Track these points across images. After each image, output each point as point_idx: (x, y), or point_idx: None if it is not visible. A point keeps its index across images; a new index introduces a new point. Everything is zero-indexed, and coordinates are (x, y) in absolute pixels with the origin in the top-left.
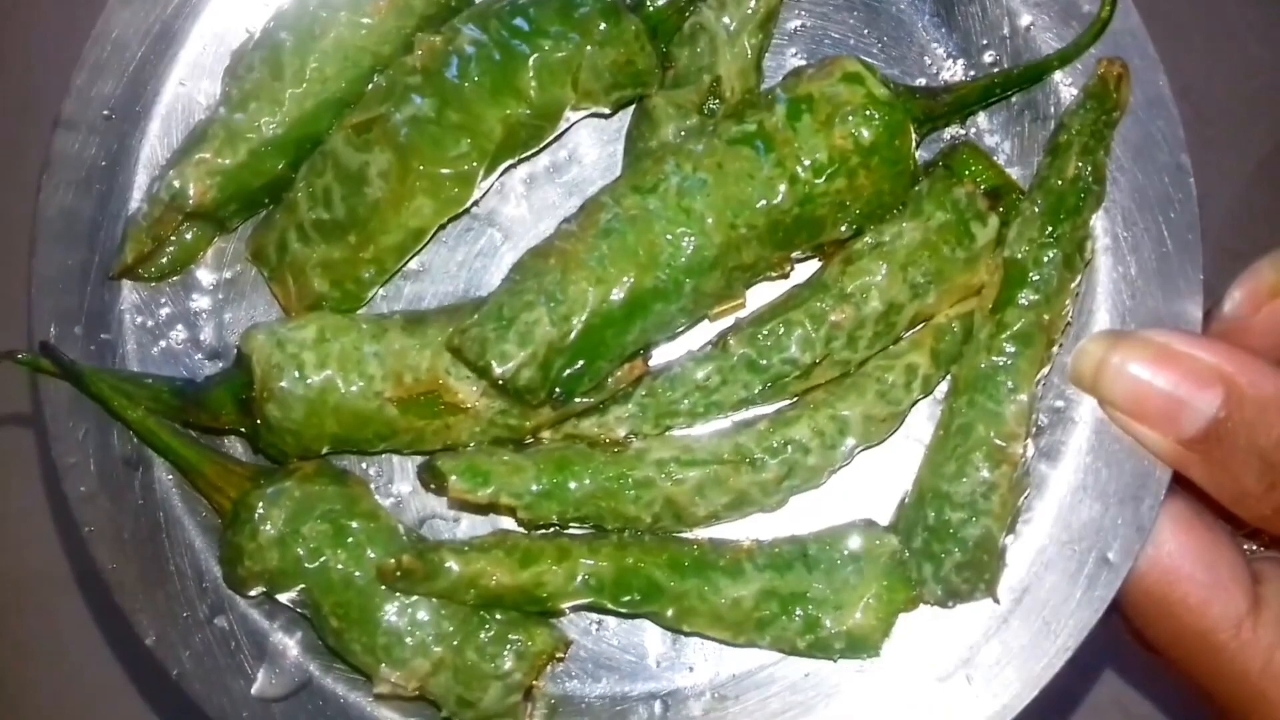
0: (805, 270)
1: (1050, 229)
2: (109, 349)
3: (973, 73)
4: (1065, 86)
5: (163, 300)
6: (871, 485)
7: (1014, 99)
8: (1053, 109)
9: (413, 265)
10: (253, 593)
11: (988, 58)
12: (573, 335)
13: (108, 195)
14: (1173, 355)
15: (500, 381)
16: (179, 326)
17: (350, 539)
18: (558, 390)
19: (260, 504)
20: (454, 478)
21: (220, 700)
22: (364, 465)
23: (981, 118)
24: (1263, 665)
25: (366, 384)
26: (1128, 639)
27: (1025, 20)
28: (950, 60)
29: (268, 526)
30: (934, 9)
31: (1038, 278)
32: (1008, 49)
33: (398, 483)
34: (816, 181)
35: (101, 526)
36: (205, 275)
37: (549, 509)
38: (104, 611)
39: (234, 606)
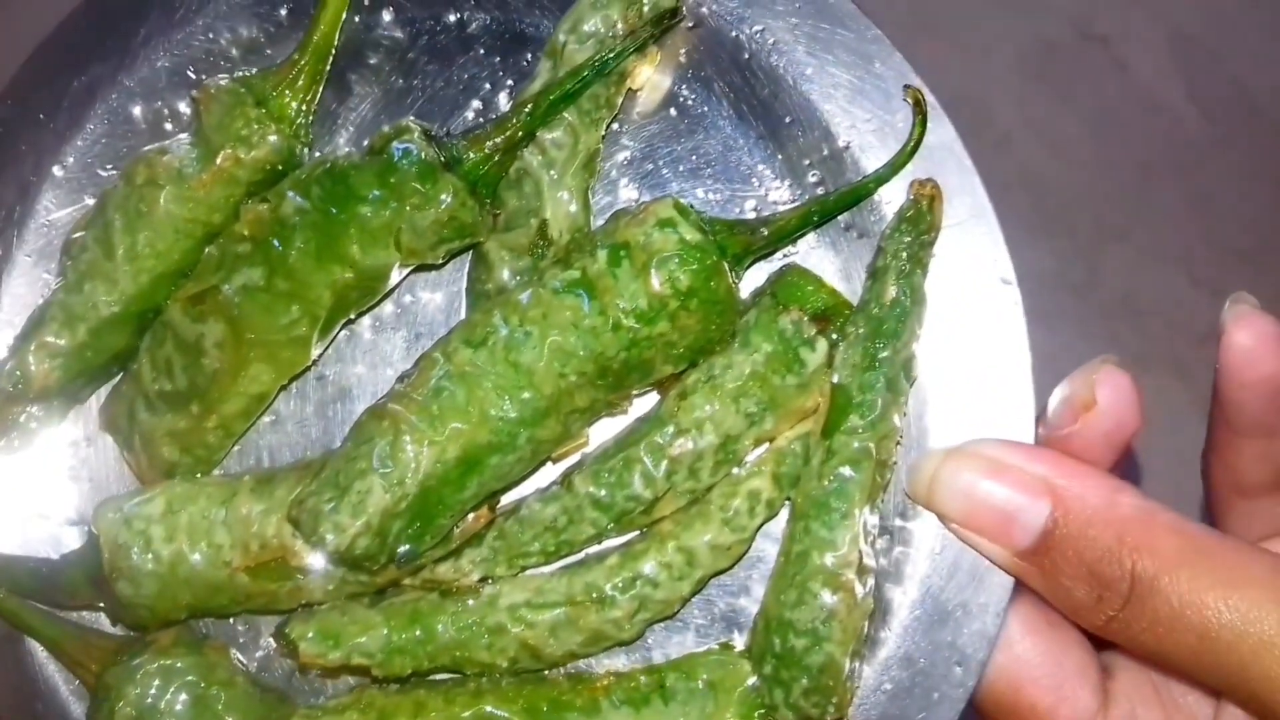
0: (645, 403)
1: (872, 355)
2: None
3: (799, 192)
4: (886, 204)
5: (20, 467)
6: (723, 609)
7: (840, 217)
8: (873, 226)
9: (265, 418)
10: None
11: (812, 177)
12: (409, 499)
13: None
14: (1003, 468)
15: (336, 554)
16: (37, 492)
17: (208, 710)
18: (400, 553)
19: (115, 683)
20: (303, 644)
21: None
22: (231, 621)
23: (811, 236)
24: None
25: (215, 553)
26: None
27: (842, 141)
28: (777, 181)
29: (124, 706)
30: (760, 131)
31: (862, 403)
32: (830, 168)
33: (265, 636)
34: (639, 326)
35: None
36: (63, 438)
37: (402, 664)
38: None
39: None
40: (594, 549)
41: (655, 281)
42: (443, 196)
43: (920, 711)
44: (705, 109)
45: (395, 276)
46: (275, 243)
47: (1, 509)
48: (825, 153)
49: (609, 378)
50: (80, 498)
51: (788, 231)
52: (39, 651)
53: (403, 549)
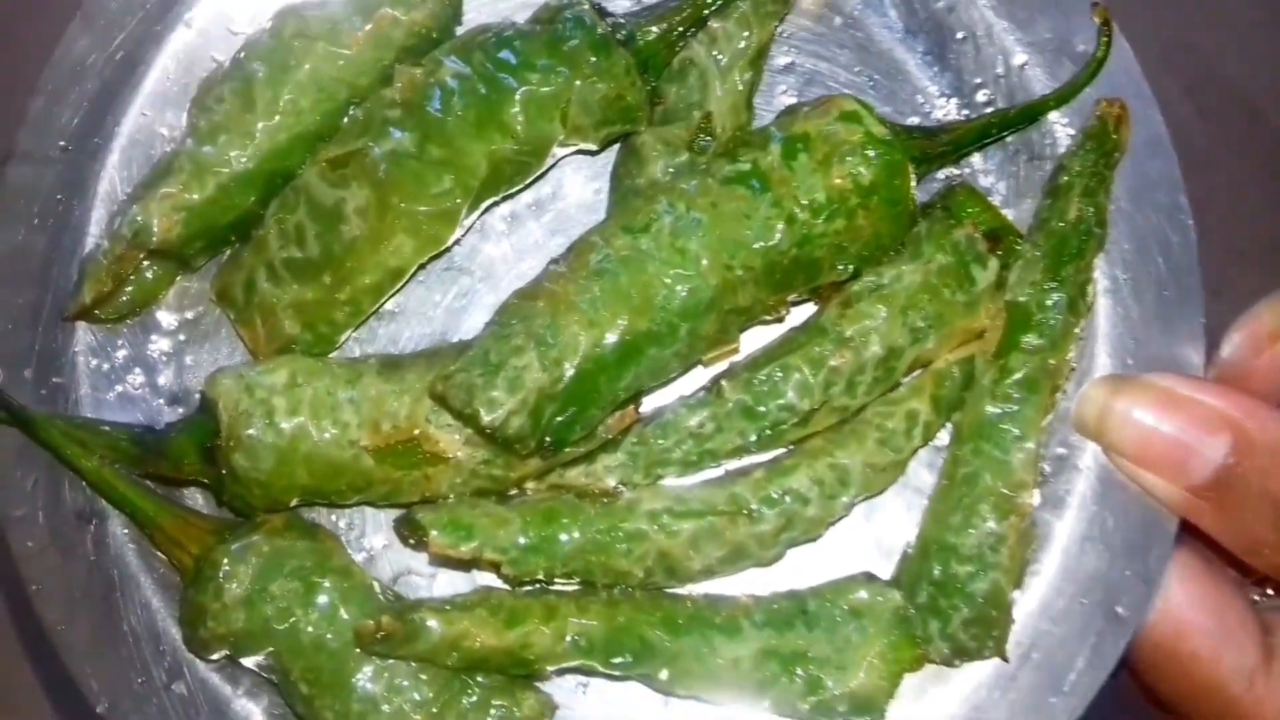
0: (800, 314)
1: (1054, 272)
2: (61, 393)
3: (966, 112)
4: (1061, 126)
5: (119, 342)
6: (867, 537)
7: (1009, 139)
8: (1048, 149)
9: (388, 306)
10: (215, 656)
11: (981, 97)
12: (565, 381)
13: (61, 231)
14: (1179, 400)
15: (488, 430)
16: (136, 370)
17: (322, 598)
18: (548, 439)
19: (226, 560)
20: (435, 532)
21: None
22: (334, 518)
23: (976, 158)
24: (1276, 719)
25: (341, 432)
26: (1136, 697)
27: (1019, 59)
28: (943, 99)
29: (234, 585)
30: (926, 47)
31: (1042, 322)
32: (1001, 88)
33: (370, 536)
34: (815, 222)
35: (50, 584)
36: (165, 316)
37: (536, 564)
38: (52, 676)
39: (193, 671)
40: (733, 465)
41: (836, 175)
42: (615, 71)
43: (1080, 652)
44: (873, 20)
45: (551, 158)
46: (431, 108)
47: (96, 384)
48: (999, 71)
49: (776, 275)
50: (179, 377)
51: (967, 140)
52: (119, 535)
53: (552, 433)
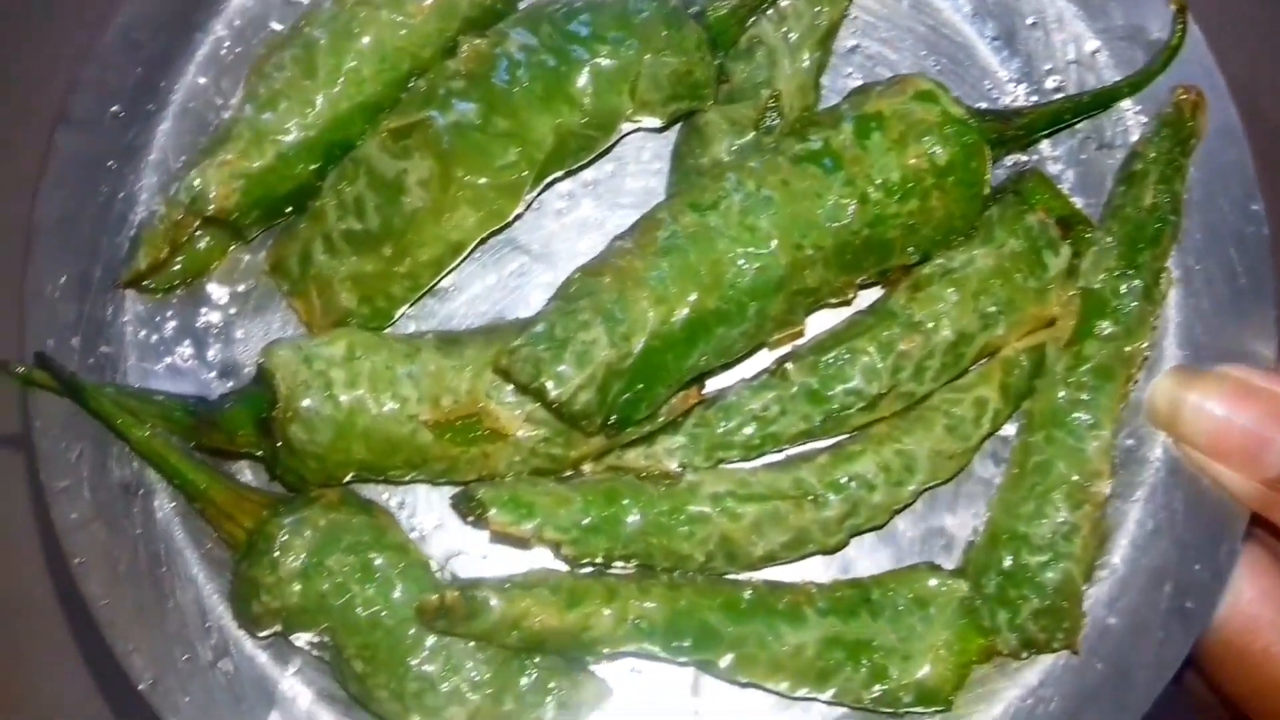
0: (866, 299)
1: (1130, 258)
2: (109, 364)
3: (1034, 99)
4: (1133, 114)
5: (169, 314)
6: (924, 527)
7: (1079, 126)
8: (1118, 137)
9: (443, 284)
10: (266, 633)
11: (1050, 83)
12: (632, 358)
13: (113, 198)
14: (1253, 392)
15: (554, 405)
16: (185, 342)
17: (379, 574)
18: (613, 417)
19: (281, 533)
20: (495, 510)
21: None
22: (385, 497)
23: (1044, 145)
24: None
25: (400, 406)
26: (1202, 696)
27: (1090, 46)
28: (1012, 85)
29: (289, 558)
30: (995, 32)
31: (1118, 308)
32: (1072, 75)
33: (421, 516)
34: (888, 202)
35: (94, 558)
36: (216, 289)
37: (597, 545)
38: (93, 652)
39: (240, 649)
40: (794, 451)
41: (912, 154)
42: (686, 45)
43: (1147, 648)
44: (941, 2)
45: (616, 134)
46: (497, 79)
47: (145, 354)
48: (1070, 57)
49: (846, 256)
50: (230, 349)
51: (1041, 124)
52: (165, 508)
53: (618, 410)
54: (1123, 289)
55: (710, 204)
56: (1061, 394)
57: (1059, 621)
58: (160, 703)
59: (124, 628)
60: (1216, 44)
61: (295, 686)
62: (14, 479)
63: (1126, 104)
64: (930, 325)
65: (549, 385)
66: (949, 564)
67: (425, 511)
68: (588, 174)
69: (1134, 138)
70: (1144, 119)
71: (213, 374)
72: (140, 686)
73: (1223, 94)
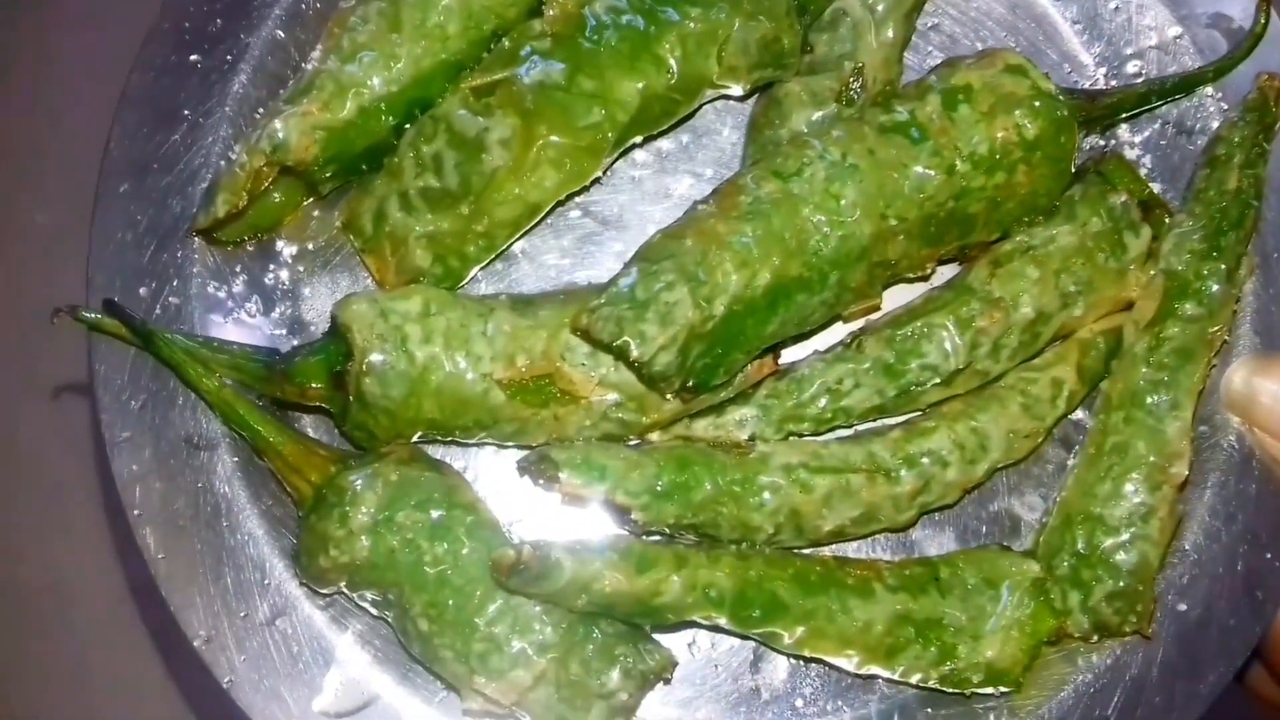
0: (943, 275)
1: (1213, 240)
2: (176, 315)
3: (1114, 83)
4: (1213, 100)
5: (238, 268)
6: (1005, 505)
7: (1159, 112)
8: (1198, 124)
9: (514, 249)
10: (330, 589)
11: (1131, 68)
12: (715, 320)
13: (186, 147)
14: None
15: (637, 364)
16: (254, 298)
17: (449, 532)
18: (691, 381)
19: (353, 486)
20: (567, 471)
21: (274, 713)
22: (448, 460)
23: (1124, 130)
24: None
25: (474, 364)
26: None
27: (1173, 31)
28: (1092, 69)
29: (361, 512)
30: (1077, 15)
31: (1201, 290)
32: (1152, 60)
33: (483, 481)
34: (975, 174)
35: (152, 510)
36: (286, 246)
37: (667, 511)
38: (151, 608)
39: (298, 608)
40: (865, 427)
41: (1001, 126)
42: (776, 11)
43: (1215, 638)
44: None
45: (700, 99)
46: (584, 39)
47: (211, 305)
48: (1153, 42)
49: (930, 228)
50: (297, 307)
51: (1127, 105)
52: (227, 462)
53: (697, 374)
54: (1206, 271)
55: (794, 171)
56: (1142, 374)
57: (1133, 604)
58: (214, 659)
59: (180, 582)
60: None
61: (352, 648)
62: (80, 428)
63: (1208, 91)
64: (1011, 301)
65: (631, 344)
66: (1016, 548)
67: (487, 477)
68: (662, 143)
69: (1214, 125)
70: (1224, 106)
71: (280, 331)
72: (195, 643)
73: None
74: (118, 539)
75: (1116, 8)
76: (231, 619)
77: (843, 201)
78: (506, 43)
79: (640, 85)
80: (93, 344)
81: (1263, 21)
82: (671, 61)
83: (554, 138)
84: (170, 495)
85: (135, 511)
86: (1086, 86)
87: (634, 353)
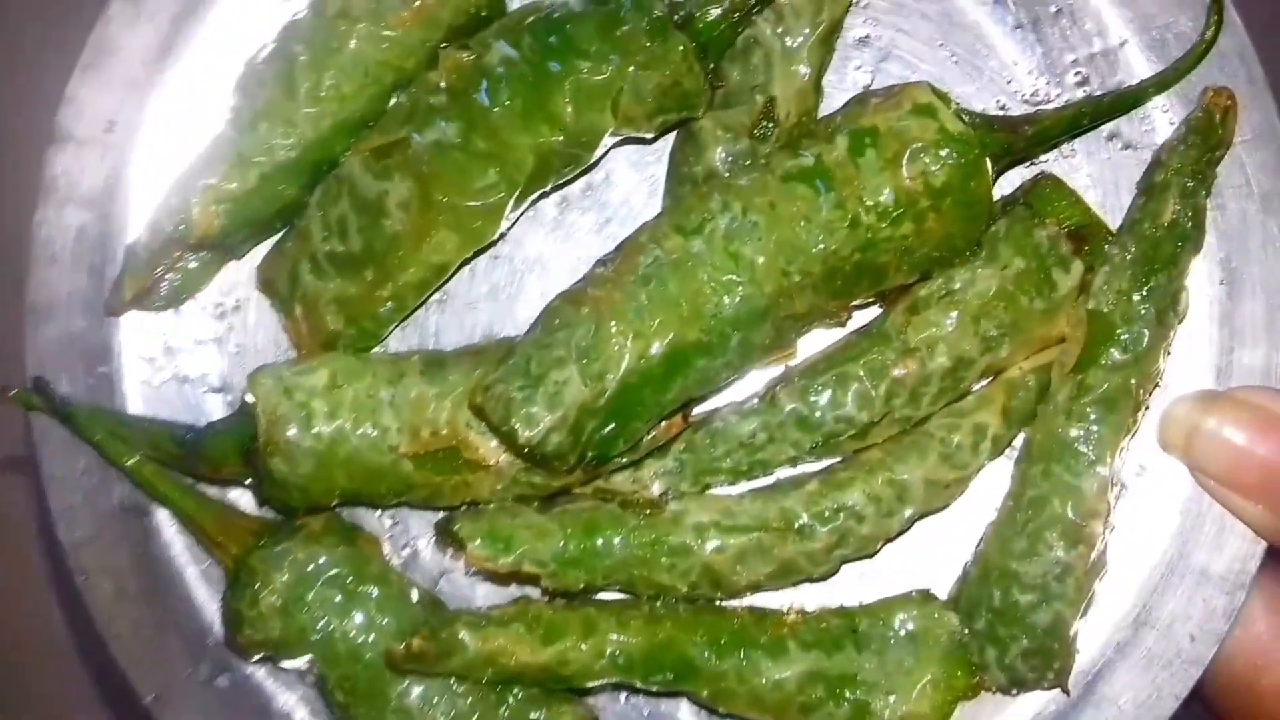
0: (863, 316)
1: (1142, 280)
2: (107, 382)
3: (1058, 92)
4: (1160, 112)
5: (165, 330)
6: (927, 550)
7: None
8: (1144, 137)
9: (434, 295)
10: (257, 657)
11: (1073, 77)
12: (606, 396)
13: (107, 215)
14: (1275, 420)
15: (525, 448)
16: (181, 356)
17: (359, 608)
18: (589, 454)
19: (261, 568)
20: (473, 544)
21: None
22: (378, 515)
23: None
24: None
25: (380, 436)
26: None
27: (1118, 37)
28: (1033, 78)
29: (269, 594)
30: (1017, 20)
31: (1127, 335)
32: (1097, 67)
33: (414, 533)
34: (881, 226)
35: (98, 575)
36: (210, 302)
37: (576, 577)
38: (100, 666)
39: (237, 666)
40: (785, 474)
41: (907, 175)
42: (671, 57)
43: (1149, 683)
44: None
45: (601, 148)
46: (478, 96)
47: (143, 371)
48: (1095, 49)
49: (836, 281)
50: (226, 364)
51: (1054, 132)
52: (166, 528)
53: (593, 447)
54: (1134, 313)
55: (695, 227)
56: (1062, 426)
57: (1049, 662)
58: (165, 717)
59: (128, 643)
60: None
61: (291, 703)
62: (21, 496)
63: (1156, 102)
64: (927, 351)
65: (519, 428)
66: (944, 591)
67: (419, 529)
68: (581, 182)
69: (1161, 137)
70: (1173, 118)
71: (209, 389)
72: (145, 700)
73: (1263, 89)
74: (63, 600)
75: (1057, 11)
76: (178, 677)
77: (741, 261)
78: (405, 98)
79: (535, 143)
80: (33, 417)
81: (1214, 26)
82: (565, 116)
83: (450, 200)
84: (114, 558)
85: (82, 576)
86: (1025, 96)
87: (521, 436)
